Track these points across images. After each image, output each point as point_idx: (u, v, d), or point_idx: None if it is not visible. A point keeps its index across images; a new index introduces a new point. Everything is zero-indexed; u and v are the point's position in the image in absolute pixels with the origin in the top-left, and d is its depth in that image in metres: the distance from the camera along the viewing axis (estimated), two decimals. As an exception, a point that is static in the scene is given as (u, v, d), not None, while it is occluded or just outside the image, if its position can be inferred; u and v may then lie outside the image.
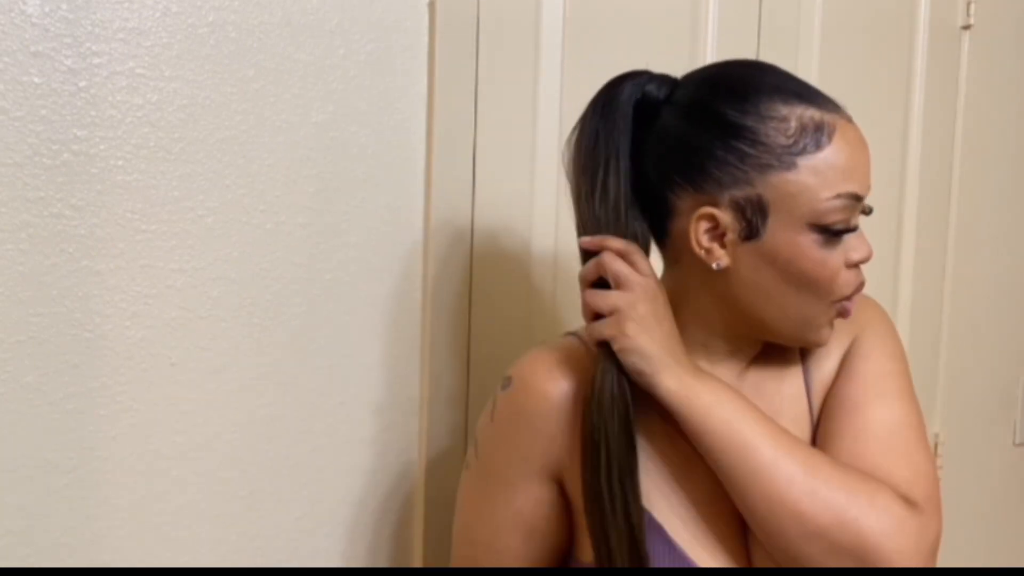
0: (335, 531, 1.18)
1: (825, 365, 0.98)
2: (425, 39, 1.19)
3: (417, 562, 1.23)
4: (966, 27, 1.65)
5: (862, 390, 0.94)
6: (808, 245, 0.88)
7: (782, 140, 0.87)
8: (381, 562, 1.22)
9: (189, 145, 1.06)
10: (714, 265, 0.90)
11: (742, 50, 1.39)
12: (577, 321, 1.30)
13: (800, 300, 0.90)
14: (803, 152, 0.87)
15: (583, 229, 0.94)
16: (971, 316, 1.72)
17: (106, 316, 1.03)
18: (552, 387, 0.93)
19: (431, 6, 1.18)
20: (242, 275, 1.10)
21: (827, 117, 0.88)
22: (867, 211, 0.93)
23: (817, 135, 0.87)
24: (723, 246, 0.90)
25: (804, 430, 0.97)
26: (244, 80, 1.08)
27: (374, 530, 1.21)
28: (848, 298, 0.92)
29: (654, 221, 0.94)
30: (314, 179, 1.13)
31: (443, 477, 1.22)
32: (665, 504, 0.93)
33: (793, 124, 0.87)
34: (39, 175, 0.98)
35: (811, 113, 0.87)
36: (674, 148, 0.91)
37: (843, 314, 0.93)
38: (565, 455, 0.93)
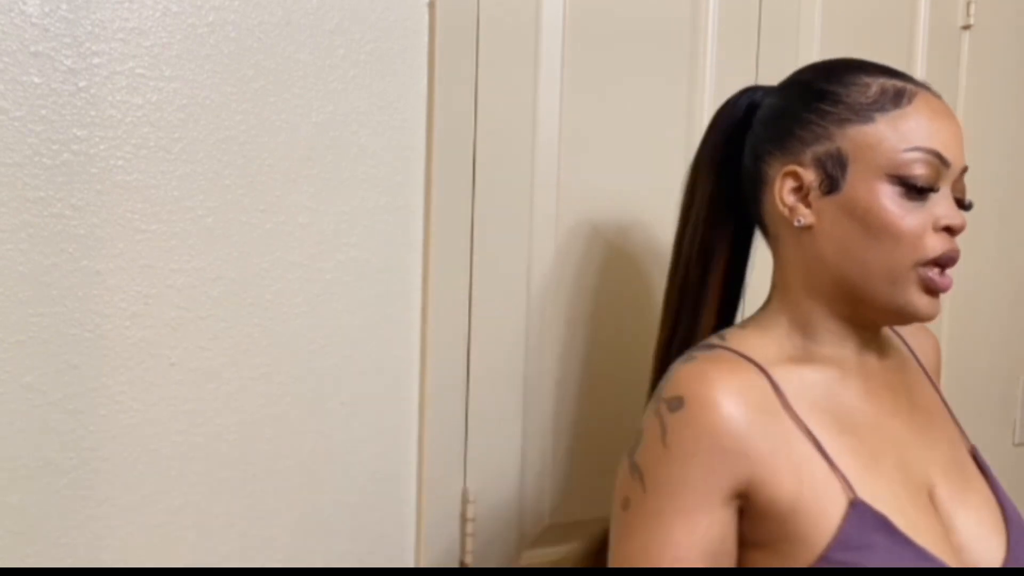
0: (335, 531, 1.18)
1: (934, 380, 1.04)
2: (425, 39, 1.19)
3: (416, 562, 1.23)
4: (966, 27, 1.65)
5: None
6: (888, 195, 0.89)
7: (862, 99, 0.91)
8: (380, 562, 1.21)
9: (189, 145, 1.06)
10: (796, 222, 0.92)
11: (742, 50, 1.39)
12: (578, 322, 1.30)
13: (880, 253, 0.89)
14: (881, 109, 0.90)
15: (680, 230, 1.04)
16: (971, 316, 1.72)
17: (106, 316, 1.03)
18: (735, 400, 0.88)
19: (431, 6, 1.18)
20: (242, 275, 1.10)
21: (909, 86, 0.92)
22: (966, 202, 0.93)
23: (897, 98, 0.91)
24: (808, 205, 0.93)
25: (955, 438, 1.01)
26: (244, 80, 1.08)
27: (374, 530, 1.21)
28: (938, 265, 0.89)
29: (752, 200, 0.99)
30: (314, 179, 1.13)
31: (443, 477, 1.22)
32: (883, 494, 0.88)
33: (874, 88, 0.91)
34: (39, 175, 0.98)
35: (893, 82, 0.92)
36: (767, 121, 0.97)
37: (932, 285, 0.89)
38: (758, 467, 0.88)
